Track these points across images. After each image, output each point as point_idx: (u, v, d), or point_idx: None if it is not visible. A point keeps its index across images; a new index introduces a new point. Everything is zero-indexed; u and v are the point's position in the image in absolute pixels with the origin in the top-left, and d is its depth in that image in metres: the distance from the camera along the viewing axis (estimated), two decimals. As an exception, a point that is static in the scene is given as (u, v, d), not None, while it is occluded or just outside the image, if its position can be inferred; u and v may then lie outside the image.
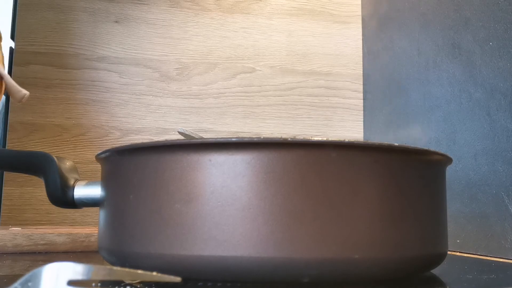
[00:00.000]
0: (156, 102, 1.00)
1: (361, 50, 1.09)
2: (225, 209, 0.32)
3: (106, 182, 0.40)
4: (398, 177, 0.35)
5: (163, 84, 1.01)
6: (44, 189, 0.42)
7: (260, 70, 1.05)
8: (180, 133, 0.63)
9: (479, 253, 0.65)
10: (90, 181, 0.42)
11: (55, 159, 0.42)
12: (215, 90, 1.03)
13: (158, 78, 1.01)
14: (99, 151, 0.40)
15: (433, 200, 0.38)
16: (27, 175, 0.45)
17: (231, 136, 0.57)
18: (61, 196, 0.41)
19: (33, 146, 0.93)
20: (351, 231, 0.33)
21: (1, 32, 0.74)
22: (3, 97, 0.84)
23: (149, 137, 0.99)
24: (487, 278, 0.42)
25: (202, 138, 0.53)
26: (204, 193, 0.33)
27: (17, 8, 0.96)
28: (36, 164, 0.42)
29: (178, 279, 0.27)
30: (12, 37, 0.96)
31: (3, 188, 0.93)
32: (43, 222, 0.92)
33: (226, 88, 1.03)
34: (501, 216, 0.61)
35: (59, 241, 0.57)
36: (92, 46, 0.99)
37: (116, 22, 1.01)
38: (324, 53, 1.08)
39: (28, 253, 0.55)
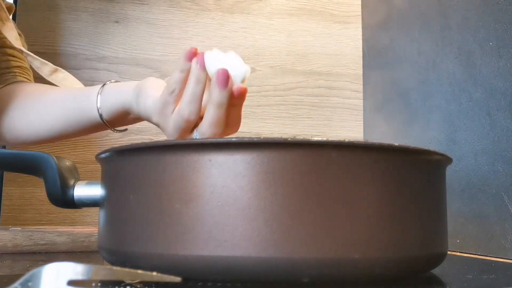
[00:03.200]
0: (156, 102, 1.00)
1: (361, 50, 1.09)
2: (225, 209, 0.32)
3: (106, 182, 0.40)
4: (398, 177, 0.35)
5: (163, 84, 1.01)
6: (44, 189, 0.42)
7: (260, 70, 1.05)
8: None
9: (479, 253, 0.65)
10: (90, 181, 0.42)
11: (55, 159, 0.42)
12: (215, 90, 1.02)
13: (158, 78, 1.01)
14: (99, 151, 0.40)
15: (433, 200, 0.38)
16: (27, 175, 0.45)
17: (231, 136, 0.57)
18: (61, 196, 0.41)
19: (33, 146, 0.93)
20: (351, 231, 0.33)
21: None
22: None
23: (149, 137, 0.99)
24: (487, 278, 0.42)
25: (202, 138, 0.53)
26: (204, 193, 0.33)
27: (17, 8, 0.96)
28: (36, 164, 0.42)
29: (178, 279, 0.27)
30: (12, 37, 0.96)
31: (3, 188, 0.93)
32: (43, 222, 0.92)
33: (226, 88, 1.03)
34: (501, 216, 0.61)
35: (59, 241, 0.57)
36: (92, 46, 0.99)
37: (116, 22, 1.01)
38: (324, 53, 1.08)
39: (28, 253, 0.55)
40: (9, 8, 0.76)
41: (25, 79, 0.76)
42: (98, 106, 0.62)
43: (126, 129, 0.67)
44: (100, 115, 0.62)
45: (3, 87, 0.73)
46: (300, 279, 0.32)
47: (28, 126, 0.69)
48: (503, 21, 0.63)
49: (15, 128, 0.70)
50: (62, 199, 0.41)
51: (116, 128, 0.66)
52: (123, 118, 0.63)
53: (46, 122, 0.68)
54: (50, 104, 0.67)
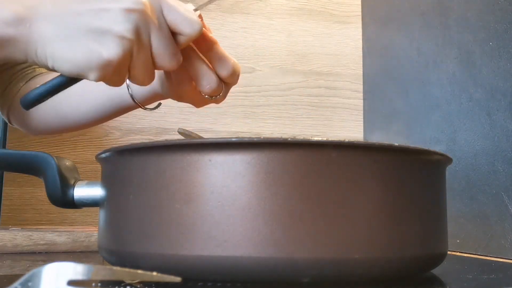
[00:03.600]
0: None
1: (361, 50, 1.09)
2: (225, 209, 0.32)
3: (106, 182, 0.40)
4: (398, 177, 0.35)
5: (163, 84, 1.01)
6: (44, 189, 0.42)
7: (260, 70, 1.05)
8: (180, 133, 0.62)
9: (479, 253, 0.65)
10: (90, 181, 0.42)
11: (55, 159, 0.42)
12: (215, 90, 1.02)
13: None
14: (99, 151, 0.40)
15: (433, 200, 0.38)
16: (27, 175, 0.45)
17: (231, 136, 0.57)
18: (61, 196, 0.41)
19: (33, 146, 0.93)
20: (351, 231, 0.33)
21: None
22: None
23: (149, 137, 0.99)
24: (487, 278, 0.42)
25: (202, 138, 0.53)
26: (204, 193, 0.33)
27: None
28: (35, 164, 0.42)
29: (178, 279, 0.27)
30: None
31: (3, 188, 0.93)
32: (43, 222, 0.92)
33: (226, 88, 1.03)
34: (501, 216, 0.61)
35: (59, 241, 0.57)
36: (92, 46, 0.98)
37: (116, 22, 1.00)
38: (324, 53, 1.08)
39: (28, 253, 0.55)
40: None
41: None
42: (132, 95, 0.63)
43: (159, 104, 0.67)
44: (134, 101, 0.63)
45: (26, 82, 0.73)
46: (300, 279, 0.32)
47: (61, 116, 0.70)
48: (503, 21, 0.63)
49: (47, 120, 0.71)
50: (62, 199, 0.41)
51: (147, 107, 0.66)
52: (156, 99, 0.64)
53: (79, 112, 0.69)
54: (81, 94, 0.68)
